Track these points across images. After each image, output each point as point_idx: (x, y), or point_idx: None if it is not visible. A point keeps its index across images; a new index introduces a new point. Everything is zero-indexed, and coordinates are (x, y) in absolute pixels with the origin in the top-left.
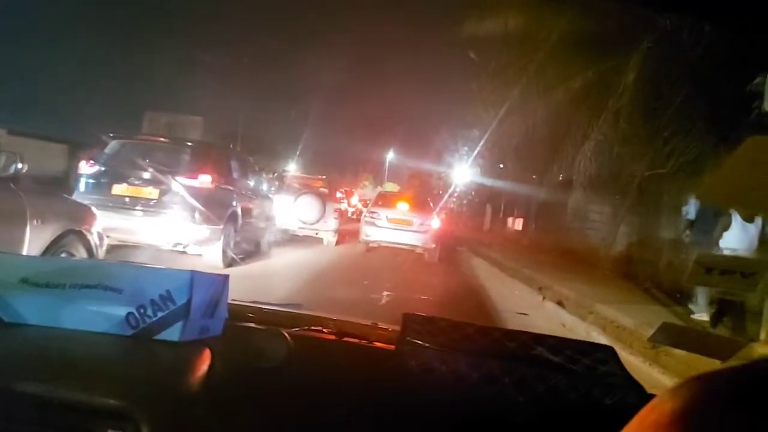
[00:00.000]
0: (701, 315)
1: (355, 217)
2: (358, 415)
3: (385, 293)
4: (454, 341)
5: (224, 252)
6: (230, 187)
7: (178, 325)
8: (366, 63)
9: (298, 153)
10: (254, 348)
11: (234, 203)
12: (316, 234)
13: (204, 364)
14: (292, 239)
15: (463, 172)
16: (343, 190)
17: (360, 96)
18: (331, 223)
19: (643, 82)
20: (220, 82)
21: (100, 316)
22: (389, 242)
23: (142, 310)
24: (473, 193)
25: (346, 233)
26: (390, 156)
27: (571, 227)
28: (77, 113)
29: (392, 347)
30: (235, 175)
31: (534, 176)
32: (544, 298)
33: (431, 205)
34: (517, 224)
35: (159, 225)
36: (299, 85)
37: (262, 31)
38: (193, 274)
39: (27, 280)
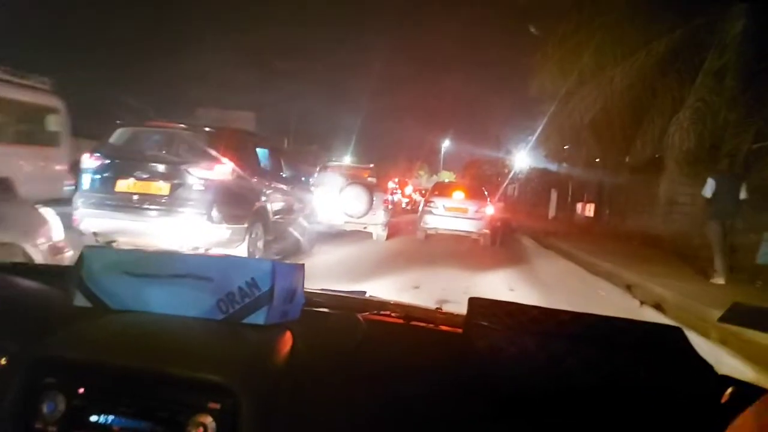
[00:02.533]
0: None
1: (409, 208)
2: (430, 395)
3: (440, 303)
4: (521, 323)
5: (251, 254)
6: (257, 179)
7: (263, 309)
8: (417, 48)
9: (352, 144)
10: (331, 330)
11: (262, 197)
12: (365, 228)
13: (287, 345)
14: (337, 235)
15: (525, 157)
16: (396, 180)
17: (413, 84)
18: (380, 215)
19: (748, 36)
20: (274, 77)
21: (195, 302)
22: (446, 229)
23: (230, 297)
24: (537, 178)
25: (400, 226)
26: (446, 144)
27: (654, 212)
28: (124, 111)
29: (459, 330)
30: (264, 164)
31: (608, 157)
32: (642, 303)
33: (485, 193)
34: (588, 210)
35: (171, 225)
36: (352, 77)
37: (312, 25)
38: (274, 263)
39: (128, 272)
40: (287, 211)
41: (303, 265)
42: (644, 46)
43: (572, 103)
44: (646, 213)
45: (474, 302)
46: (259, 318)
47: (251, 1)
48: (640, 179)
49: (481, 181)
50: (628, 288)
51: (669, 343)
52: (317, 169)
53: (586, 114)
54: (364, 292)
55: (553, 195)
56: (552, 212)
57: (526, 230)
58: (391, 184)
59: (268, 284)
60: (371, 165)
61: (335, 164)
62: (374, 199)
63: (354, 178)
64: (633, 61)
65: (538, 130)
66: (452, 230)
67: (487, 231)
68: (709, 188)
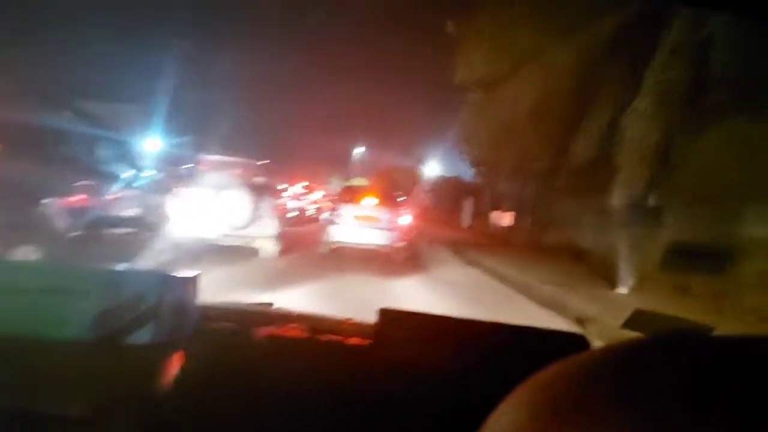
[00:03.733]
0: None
1: (316, 215)
2: (336, 412)
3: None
4: (433, 334)
5: None
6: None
7: (149, 326)
8: (326, 49)
9: (250, 140)
10: (226, 347)
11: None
12: (250, 244)
13: (176, 365)
14: (209, 252)
15: (441, 164)
16: (305, 185)
17: (323, 85)
18: (269, 226)
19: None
20: (165, 63)
21: (68, 320)
22: (354, 243)
23: (111, 313)
24: (451, 186)
25: (301, 237)
26: (359, 150)
27: (586, 222)
28: None
29: (369, 342)
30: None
31: (539, 159)
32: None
33: (403, 199)
34: (505, 219)
35: None
36: (258, 70)
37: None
38: (163, 274)
39: None
40: (108, 220)
41: (198, 275)
42: (593, 20)
43: (502, 92)
44: (576, 223)
45: (385, 313)
46: (144, 336)
47: None
48: (571, 184)
49: (396, 186)
50: (580, 322)
51: (574, 350)
52: (185, 165)
53: (517, 107)
54: (271, 304)
55: (468, 203)
56: (467, 221)
57: (444, 241)
58: (299, 188)
59: (154, 297)
60: (261, 161)
61: (212, 159)
62: (261, 204)
63: (237, 177)
64: (579, 38)
65: (459, 129)
66: (361, 244)
67: (404, 243)
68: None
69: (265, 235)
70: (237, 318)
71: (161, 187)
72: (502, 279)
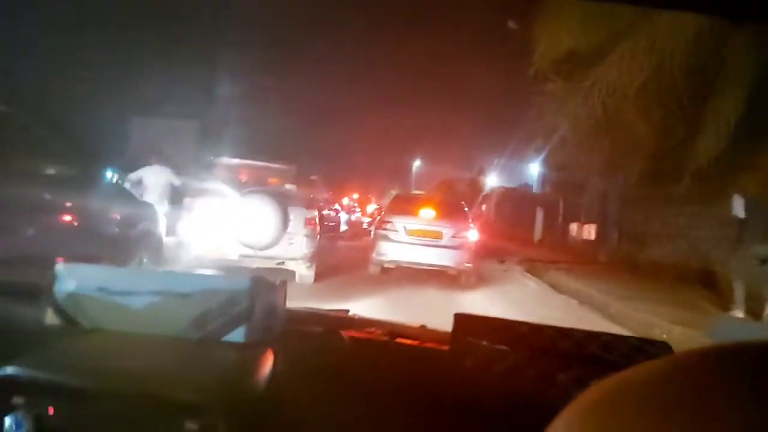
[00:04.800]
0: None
1: (370, 229)
2: (417, 413)
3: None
4: (508, 339)
5: None
6: None
7: (242, 327)
8: (386, 61)
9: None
10: (314, 348)
11: None
12: (280, 264)
13: (267, 363)
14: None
15: (503, 174)
16: (354, 197)
17: (383, 99)
18: (302, 244)
19: None
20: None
21: (171, 320)
22: (410, 262)
23: (208, 314)
24: (517, 197)
25: (351, 254)
26: (417, 164)
27: (693, 237)
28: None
29: (446, 347)
30: None
31: (634, 160)
32: None
33: (466, 209)
34: (587, 232)
35: None
36: (314, 91)
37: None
38: (254, 279)
39: (104, 289)
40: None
41: (285, 281)
42: None
43: (595, 74)
44: (681, 237)
45: (460, 318)
46: (237, 336)
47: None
48: (678, 190)
49: (457, 196)
50: None
51: (655, 357)
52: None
53: (615, 93)
54: (347, 311)
55: (539, 214)
56: (538, 234)
57: (511, 257)
58: (346, 201)
59: (246, 301)
60: (288, 166)
61: (232, 163)
62: (289, 217)
63: (258, 184)
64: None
65: (533, 130)
66: (419, 264)
67: (470, 264)
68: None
69: (296, 256)
70: (320, 322)
71: (174, 197)
72: (604, 312)
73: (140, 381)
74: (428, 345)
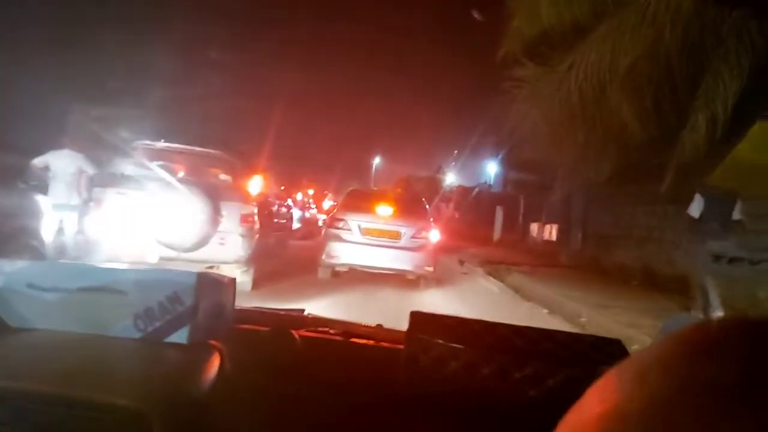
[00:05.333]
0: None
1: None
2: (371, 413)
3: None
4: (463, 337)
5: None
6: None
7: (186, 326)
8: (340, 55)
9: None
10: (262, 348)
11: None
12: (209, 269)
13: (212, 365)
14: None
15: (462, 172)
16: (310, 192)
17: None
18: (234, 245)
19: None
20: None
21: (109, 319)
22: (365, 266)
23: (149, 313)
24: (476, 196)
25: (301, 254)
26: (377, 161)
27: (665, 237)
28: None
29: (401, 346)
30: None
31: (589, 160)
32: None
33: (427, 208)
34: (548, 233)
35: None
36: (273, 80)
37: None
38: (199, 275)
39: (33, 285)
40: None
41: (233, 279)
42: None
43: (574, 56)
44: (651, 239)
45: (415, 316)
46: (181, 336)
47: None
48: (646, 191)
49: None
50: None
51: (609, 355)
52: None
53: (595, 78)
54: (303, 310)
55: (499, 213)
56: (497, 234)
57: (470, 258)
58: (300, 196)
59: (191, 299)
60: (224, 152)
61: (149, 147)
62: (222, 213)
63: (186, 173)
64: None
65: (498, 124)
66: (374, 267)
67: (431, 268)
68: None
69: (228, 259)
70: (271, 321)
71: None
72: (576, 322)
73: (70, 384)
74: (383, 344)
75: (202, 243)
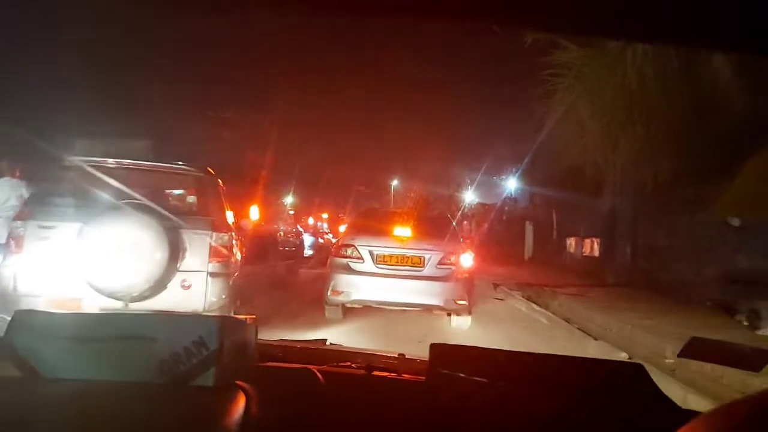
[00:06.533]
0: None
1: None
2: None
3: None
4: (485, 369)
5: None
6: None
7: (212, 370)
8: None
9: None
10: (286, 388)
11: None
12: None
13: (238, 407)
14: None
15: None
16: (322, 217)
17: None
18: (201, 289)
19: None
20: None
21: (137, 365)
22: (380, 302)
23: (176, 357)
24: (504, 210)
25: (308, 289)
26: (395, 183)
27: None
28: None
29: (422, 378)
30: None
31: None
32: None
33: (454, 225)
34: (588, 247)
35: None
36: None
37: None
38: (222, 318)
39: (64, 336)
40: None
41: (255, 317)
42: None
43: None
44: (710, 251)
45: (436, 348)
46: (207, 379)
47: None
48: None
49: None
50: None
51: (632, 380)
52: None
53: (656, 59)
54: (325, 340)
55: (529, 229)
56: (528, 252)
57: (503, 281)
58: (311, 221)
59: (215, 342)
60: (192, 168)
61: (89, 164)
62: (184, 246)
63: (137, 193)
64: None
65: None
66: (393, 304)
67: (465, 302)
68: None
69: (195, 308)
70: (295, 357)
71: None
72: (656, 363)
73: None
74: (405, 377)
75: (156, 288)
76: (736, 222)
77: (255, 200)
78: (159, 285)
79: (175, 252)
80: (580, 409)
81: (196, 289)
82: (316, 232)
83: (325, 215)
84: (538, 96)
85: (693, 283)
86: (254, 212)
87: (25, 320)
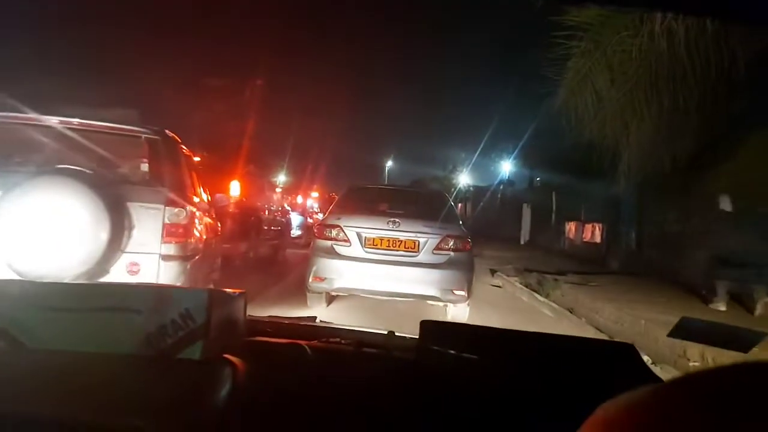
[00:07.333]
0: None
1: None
2: (382, 426)
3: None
4: (475, 346)
5: None
6: None
7: (199, 343)
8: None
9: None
10: (274, 361)
11: None
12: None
13: (226, 380)
14: None
15: (478, 172)
16: (312, 195)
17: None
18: (152, 275)
19: None
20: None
21: (122, 337)
22: (368, 291)
23: (162, 330)
24: (498, 191)
25: (294, 272)
26: (390, 164)
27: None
28: None
29: (412, 356)
30: None
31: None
32: None
33: (452, 206)
34: (589, 233)
35: None
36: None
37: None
38: (211, 292)
39: (49, 306)
40: None
41: (244, 292)
42: None
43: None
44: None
45: (426, 325)
46: (194, 352)
47: None
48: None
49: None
50: None
51: (620, 358)
52: None
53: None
54: (315, 318)
55: (526, 212)
56: (525, 236)
57: (499, 264)
58: (300, 199)
59: (203, 316)
60: (145, 129)
61: (16, 123)
62: (131, 224)
63: (73, 159)
64: None
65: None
66: (383, 293)
67: (464, 292)
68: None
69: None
70: (284, 333)
71: None
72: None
73: (79, 406)
74: (394, 354)
75: (95, 273)
76: (728, 207)
77: (236, 175)
78: (99, 269)
79: (119, 229)
80: (569, 385)
81: (146, 274)
82: (305, 212)
83: (315, 194)
84: (548, 62)
85: (705, 271)
86: (235, 187)
87: (6, 288)
